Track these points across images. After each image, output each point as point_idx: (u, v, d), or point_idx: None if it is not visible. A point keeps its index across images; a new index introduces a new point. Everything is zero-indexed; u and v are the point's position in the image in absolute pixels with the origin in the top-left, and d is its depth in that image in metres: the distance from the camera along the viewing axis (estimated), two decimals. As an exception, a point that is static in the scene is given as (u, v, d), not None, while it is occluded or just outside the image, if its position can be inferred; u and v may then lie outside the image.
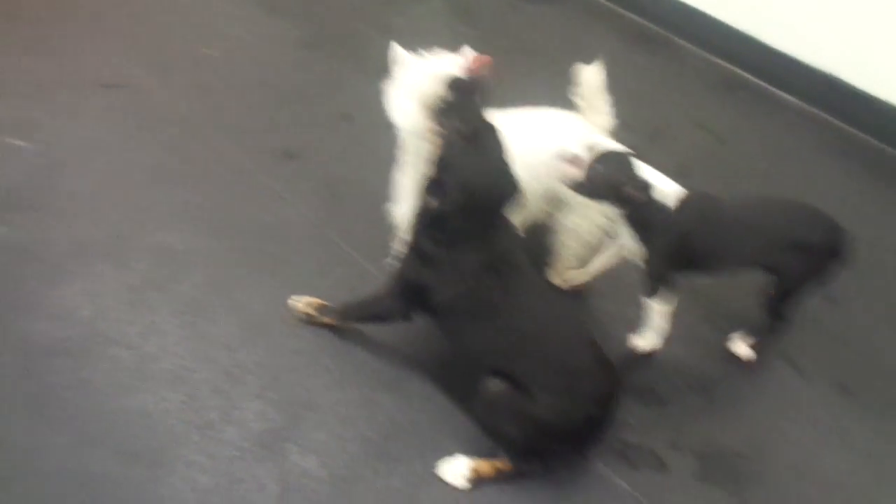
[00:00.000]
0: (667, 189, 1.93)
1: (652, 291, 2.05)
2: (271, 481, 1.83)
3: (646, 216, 1.93)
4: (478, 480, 1.84)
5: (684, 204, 1.92)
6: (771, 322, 2.11)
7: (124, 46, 3.06)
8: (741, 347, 2.16)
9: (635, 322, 2.13)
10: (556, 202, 2.12)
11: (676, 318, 2.19)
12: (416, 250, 1.85)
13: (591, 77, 2.06)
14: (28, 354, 2.02)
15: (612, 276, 2.23)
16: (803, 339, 2.19)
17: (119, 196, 2.46)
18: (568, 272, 2.25)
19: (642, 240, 1.98)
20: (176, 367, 2.02)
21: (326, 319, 2.11)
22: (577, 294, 2.26)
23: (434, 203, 1.75)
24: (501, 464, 1.84)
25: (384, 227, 2.20)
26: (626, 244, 2.03)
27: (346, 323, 2.10)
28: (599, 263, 2.21)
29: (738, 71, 3.11)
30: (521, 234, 1.90)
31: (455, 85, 1.77)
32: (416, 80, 1.83)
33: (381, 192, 2.16)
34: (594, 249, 2.21)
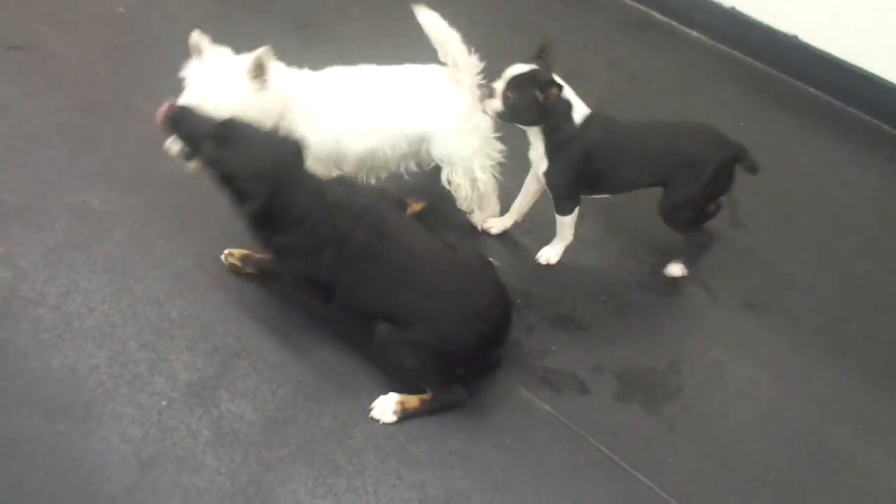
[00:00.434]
0: (575, 103, 2.04)
1: (560, 207, 2.16)
2: (203, 427, 1.86)
3: (559, 126, 2.03)
4: (405, 414, 1.91)
5: (589, 122, 2.05)
6: (691, 241, 2.23)
7: (31, 7, 2.95)
8: (675, 269, 2.26)
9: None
10: (426, 159, 2.17)
11: (596, 250, 2.29)
12: (276, 251, 1.92)
13: (428, 22, 2.03)
14: (-55, 320, 1.99)
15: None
16: (713, 262, 2.29)
17: (31, 157, 2.41)
18: (489, 220, 2.32)
19: (551, 157, 2.08)
20: (101, 323, 2.02)
21: (250, 270, 2.12)
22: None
23: (247, 209, 1.81)
24: (427, 396, 1.91)
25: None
26: (537, 163, 2.12)
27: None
28: (518, 205, 2.29)
29: (648, 10, 3.18)
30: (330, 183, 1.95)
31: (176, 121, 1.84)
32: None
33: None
34: (490, 193, 2.26)
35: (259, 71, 1.93)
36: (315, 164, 2.04)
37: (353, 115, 2.07)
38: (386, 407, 1.91)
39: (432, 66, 2.11)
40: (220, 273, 2.14)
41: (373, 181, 2.21)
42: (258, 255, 2.09)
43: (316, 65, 2.15)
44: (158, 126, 1.83)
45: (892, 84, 2.73)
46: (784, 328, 2.20)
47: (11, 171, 2.36)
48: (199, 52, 1.94)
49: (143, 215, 2.27)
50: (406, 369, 1.88)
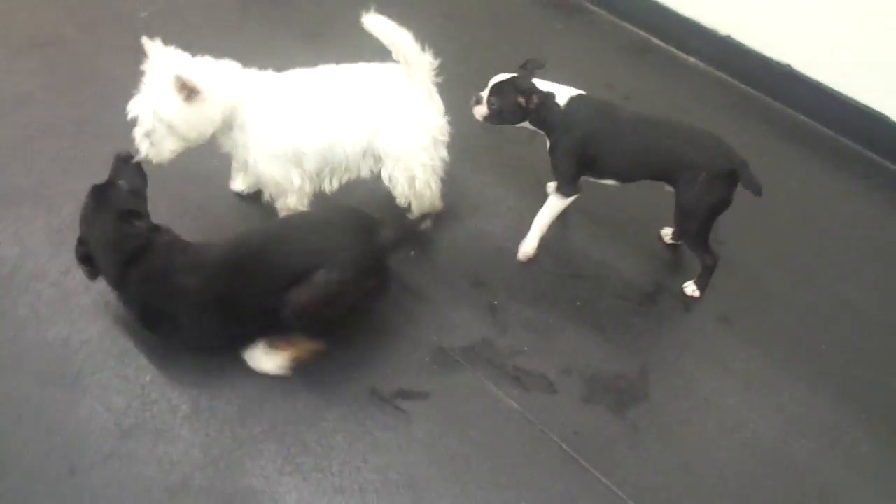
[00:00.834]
0: (558, 91, 2.17)
1: (561, 188, 2.26)
2: (183, 402, 1.96)
3: (545, 116, 2.17)
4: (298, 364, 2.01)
5: (576, 102, 2.17)
6: (699, 258, 2.29)
7: (61, 9, 3.14)
8: (689, 288, 2.32)
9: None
10: (376, 157, 2.20)
11: (577, 259, 2.36)
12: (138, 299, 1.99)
13: (377, 27, 2.04)
14: (-49, 288, 2.13)
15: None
16: (690, 275, 2.35)
17: (46, 146, 2.56)
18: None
19: (549, 138, 2.21)
20: (97, 301, 2.14)
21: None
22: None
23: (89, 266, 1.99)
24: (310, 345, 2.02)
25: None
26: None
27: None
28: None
29: (648, 36, 3.28)
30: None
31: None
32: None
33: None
34: (426, 192, 2.29)
35: (186, 90, 1.93)
36: (272, 163, 2.10)
37: (310, 109, 2.11)
38: (255, 355, 2.00)
39: (389, 65, 2.15)
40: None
41: (335, 185, 2.24)
42: None
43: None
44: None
45: (883, 115, 2.78)
46: (756, 343, 2.24)
47: (27, 157, 2.52)
48: (150, 55, 1.99)
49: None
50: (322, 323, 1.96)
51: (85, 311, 2.11)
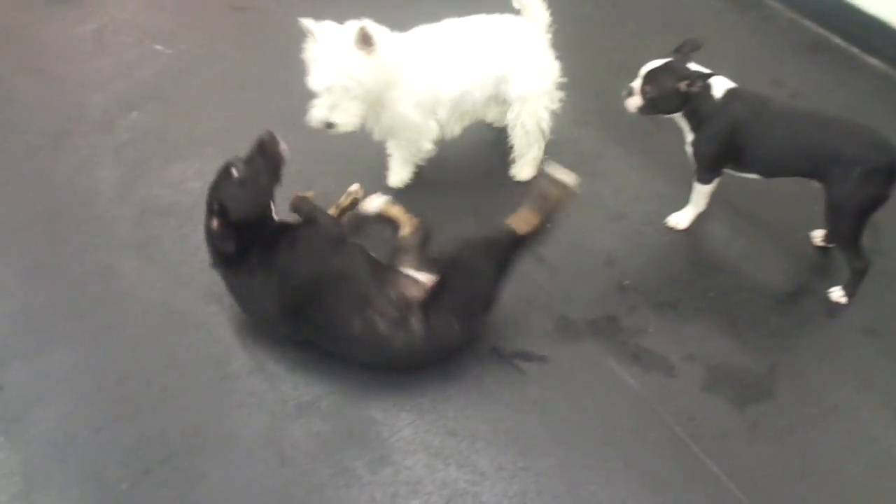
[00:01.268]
0: (714, 81, 2.11)
1: (701, 177, 2.25)
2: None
3: (700, 106, 2.12)
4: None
5: (732, 95, 2.11)
6: (848, 262, 2.18)
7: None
8: (836, 293, 2.22)
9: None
10: (501, 101, 2.41)
11: (716, 250, 2.32)
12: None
13: None
14: (143, 211, 2.46)
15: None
16: (840, 280, 2.23)
17: (232, 98, 2.87)
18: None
19: (695, 129, 2.18)
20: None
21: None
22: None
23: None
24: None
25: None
26: (686, 135, 2.22)
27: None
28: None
29: (827, 33, 3.10)
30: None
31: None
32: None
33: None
34: (542, 135, 2.47)
35: (366, 41, 2.05)
36: (414, 109, 2.27)
37: (447, 62, 2.27)
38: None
39: (507, 15, 2.33)
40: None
41: (457, 130, 2.43)
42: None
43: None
44: None
45: None
46: (900, 360, 2.11)
47: (215, 107, 2.84)
48: (311, 33, 2.09)
49: (309, 156, 2.59)
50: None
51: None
